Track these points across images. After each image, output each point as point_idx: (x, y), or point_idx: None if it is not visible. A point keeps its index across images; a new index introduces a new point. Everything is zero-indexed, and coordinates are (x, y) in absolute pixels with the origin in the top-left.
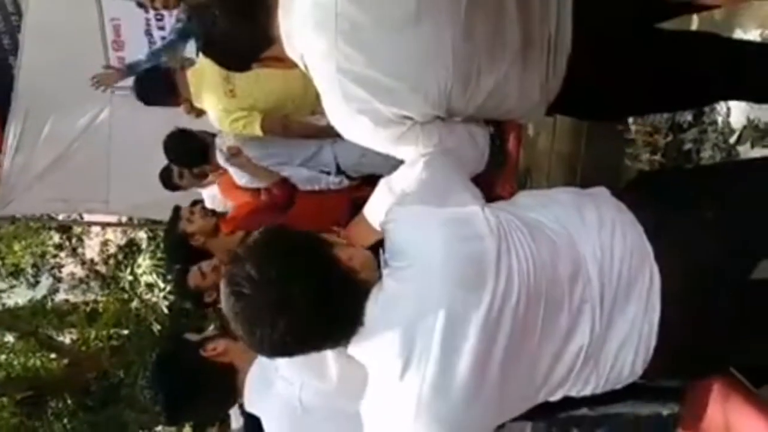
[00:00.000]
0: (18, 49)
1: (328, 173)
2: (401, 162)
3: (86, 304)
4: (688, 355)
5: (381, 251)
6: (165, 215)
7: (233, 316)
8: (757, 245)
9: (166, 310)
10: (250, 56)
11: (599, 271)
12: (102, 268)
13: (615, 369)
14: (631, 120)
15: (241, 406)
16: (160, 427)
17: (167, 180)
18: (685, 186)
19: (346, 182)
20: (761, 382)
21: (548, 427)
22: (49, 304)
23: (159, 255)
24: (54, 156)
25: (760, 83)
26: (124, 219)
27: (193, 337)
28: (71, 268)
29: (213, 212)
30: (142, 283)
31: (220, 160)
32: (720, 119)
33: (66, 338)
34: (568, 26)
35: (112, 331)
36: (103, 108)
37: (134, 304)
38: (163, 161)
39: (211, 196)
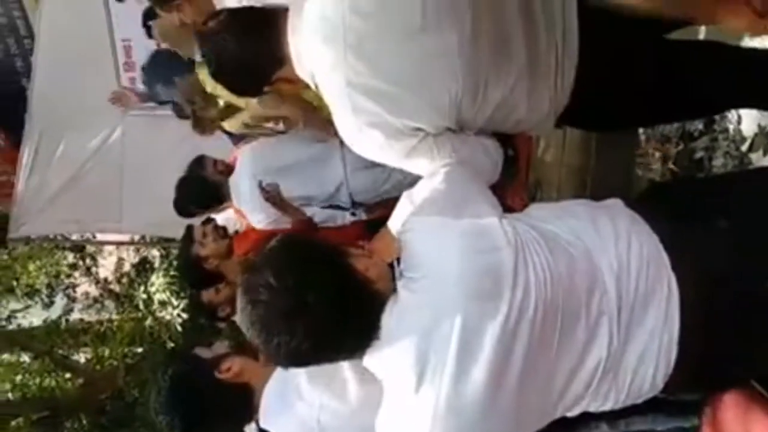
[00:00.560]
0: (31, 71)
1: (345, 209)
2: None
3: (101, 323)
4: (708, 367)
5: (396, 263)
6: (178, 233)
7: (250, 325)
8: None
9: (180, 328)
10: (262, 78)
11: (616, 282)
12: (116, 287)
13: (635, 383)
14: (641, 130)
15: (257, 422)
16: None
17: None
18: (698, 195)
19: (363, 215)
20: None
21: None
22: (64, 323)
23: (172, 273)
24: (67, 177)
25: None
26: (136, 237)
27: (204, 353)
28: (85, 287)
29: (225, 230)
30: (156, 301)
31: (236, 201)
32: (731, 127)
33: (81, 357)
34: (574, 37)
35: (126, 349)
36: (115, 128)
37: (148, 322)
38: (175, 180)
39: (226, 218)
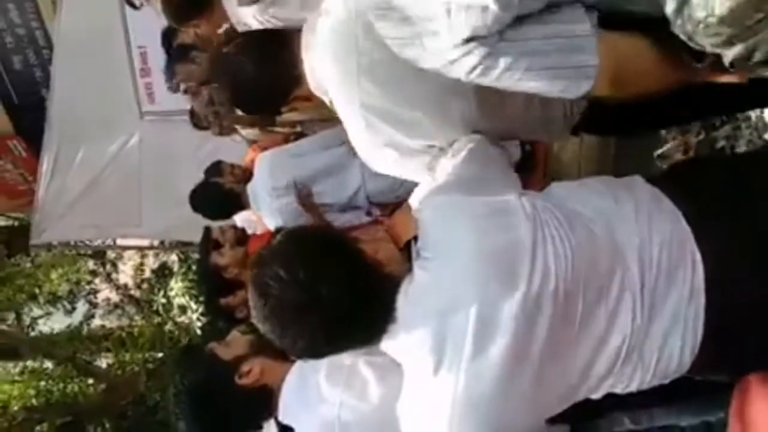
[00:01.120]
0: (50, 81)
1: (361, 208)
2: None
3: (121, 328)
4: (735, 343)
5: (413, 242)
6: (197, 236)
7: (263, 320)
8: None
9: (199, 331)
10: (280, 98)
11: (639, 259)
12: (136, 293)
13: (662, 361)
14: None
15: (275, 418)
16: None
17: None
18: (719, 173)
19: (378, 212)
20: None
21: None
22: (86, 329)
23: (191, 277)
24: (87, 183)
25: None
26: (155, 242)
27: (221, 351)
28: (106, 293)
29: (243, 232)
30: (175, 306)
31: (254, 206)
32: (753, 115)
33: (102, 363)
34: None
35: (147, 354)
36: (133, 134)
37: (168, 326)
38: (193, 182)
39: (245, 219)
